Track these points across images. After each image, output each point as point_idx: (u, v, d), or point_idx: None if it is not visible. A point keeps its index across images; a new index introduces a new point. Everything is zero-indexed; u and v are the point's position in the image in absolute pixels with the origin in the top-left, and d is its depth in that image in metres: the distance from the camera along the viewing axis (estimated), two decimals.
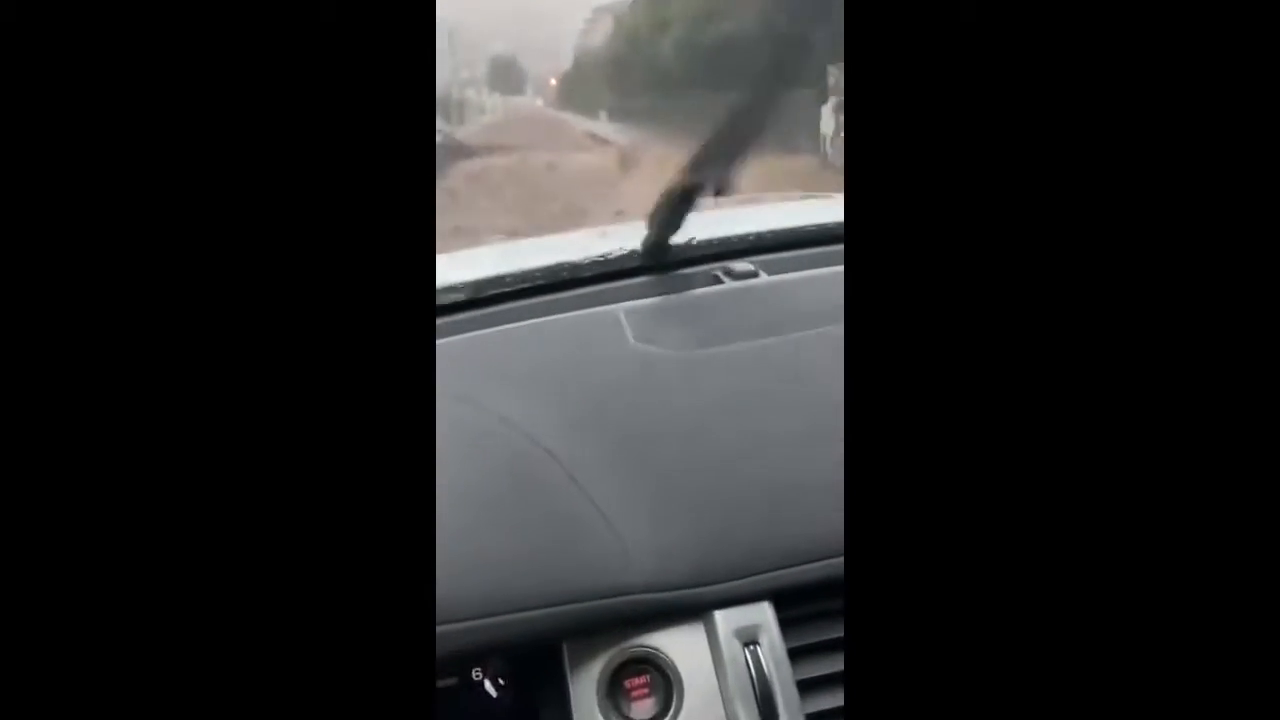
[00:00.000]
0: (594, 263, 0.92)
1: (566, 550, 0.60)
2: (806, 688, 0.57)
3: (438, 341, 0.78)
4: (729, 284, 0.89)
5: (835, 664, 0.58)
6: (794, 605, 0.59)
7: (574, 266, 0.92)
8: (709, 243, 0.95)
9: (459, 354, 0.78)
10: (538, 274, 0.90)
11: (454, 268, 0.93)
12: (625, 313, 0.80)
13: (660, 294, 0.86)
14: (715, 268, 0.93)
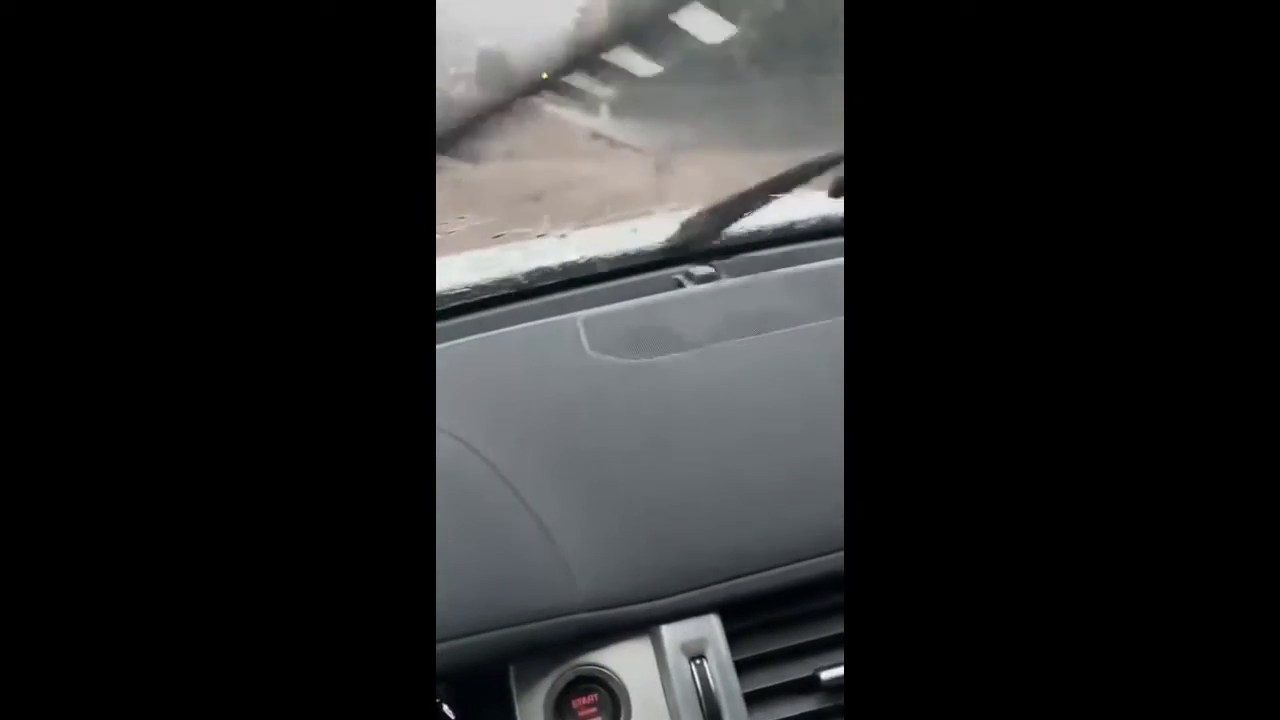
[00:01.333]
0: (562, 268, 0.93)
1: (510, 570, 0.60)
2: (754, 699, 0.58)
3: None
4: (689, 288, 0.90)
5: (783, 674, 0.59)
6: (741, 617, 0.60)
7: (540, 273, 0.92)
8: (673, 247, 0.95)
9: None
10: (502, 284, 0.91)
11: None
12: (583, 321, 0.80)
13: (620, 300, 0.86)
14: (676, 271, 0.93)
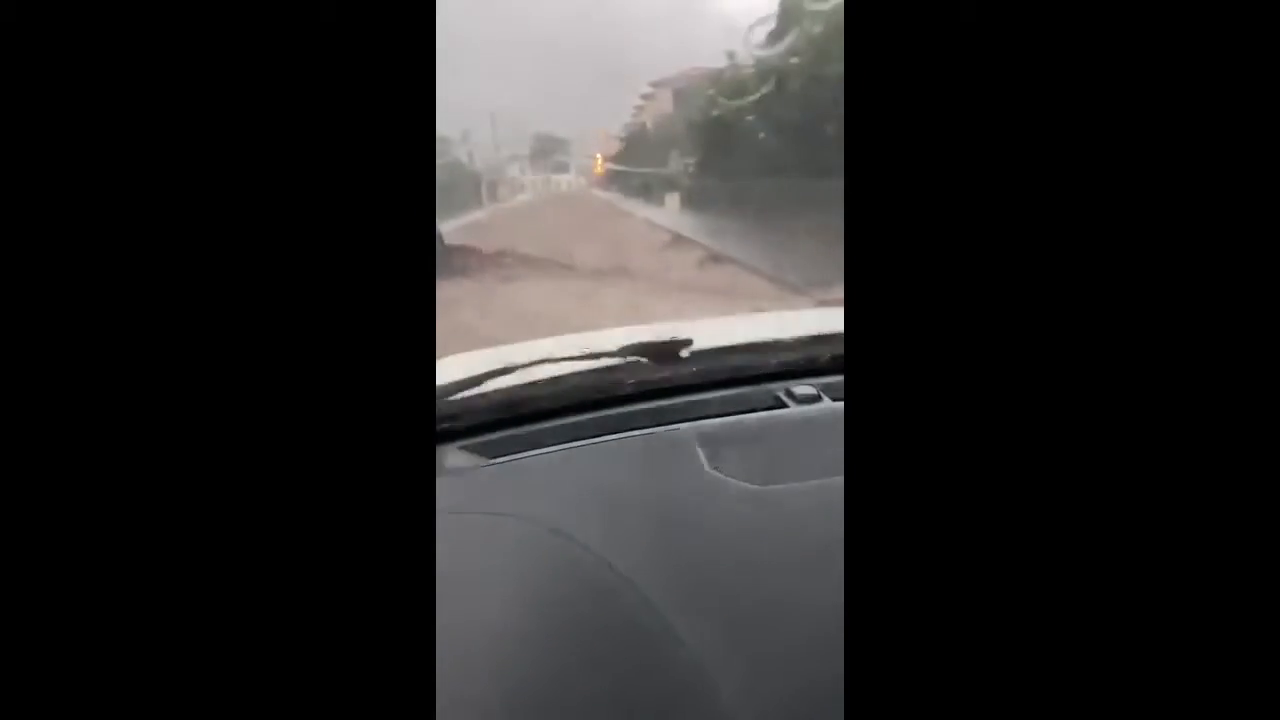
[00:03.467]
0: (656, 379, 0.92)
1: (658, 697, 0.56)
2: None
3: (505, 460, 0.80)
4: (795, 409, 0.90)
5: None
6: None
7: (618, 383, 0.92)
8: (766, 351, 0.95)
9: (532, 473, 0.78)
10: (587, 390, 0.91)
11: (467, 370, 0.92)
12: (699, 436, 0.81)
13: (722, 414, 0.87)
14: (777, 388, 0.94)
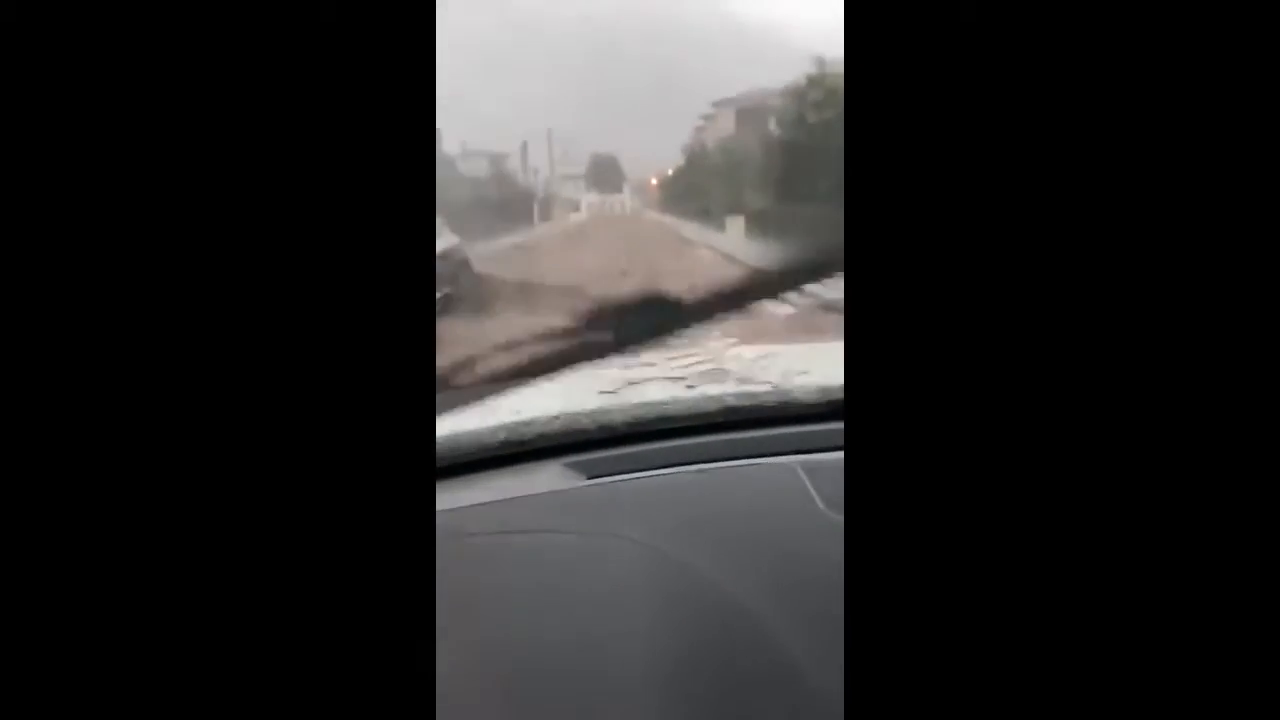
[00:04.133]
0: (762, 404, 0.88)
1: None
2: None
3: (608, 481, 0.78)
4: None
5: None
6: None
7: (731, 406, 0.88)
8: None
9: (639, 495, 0.76)
10: (705, 413, 0.87)
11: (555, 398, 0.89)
12: (805, 470, 0.76)
13: (832, 448, 0.81)
14: None
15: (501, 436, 0.80)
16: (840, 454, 0.77)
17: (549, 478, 0.80)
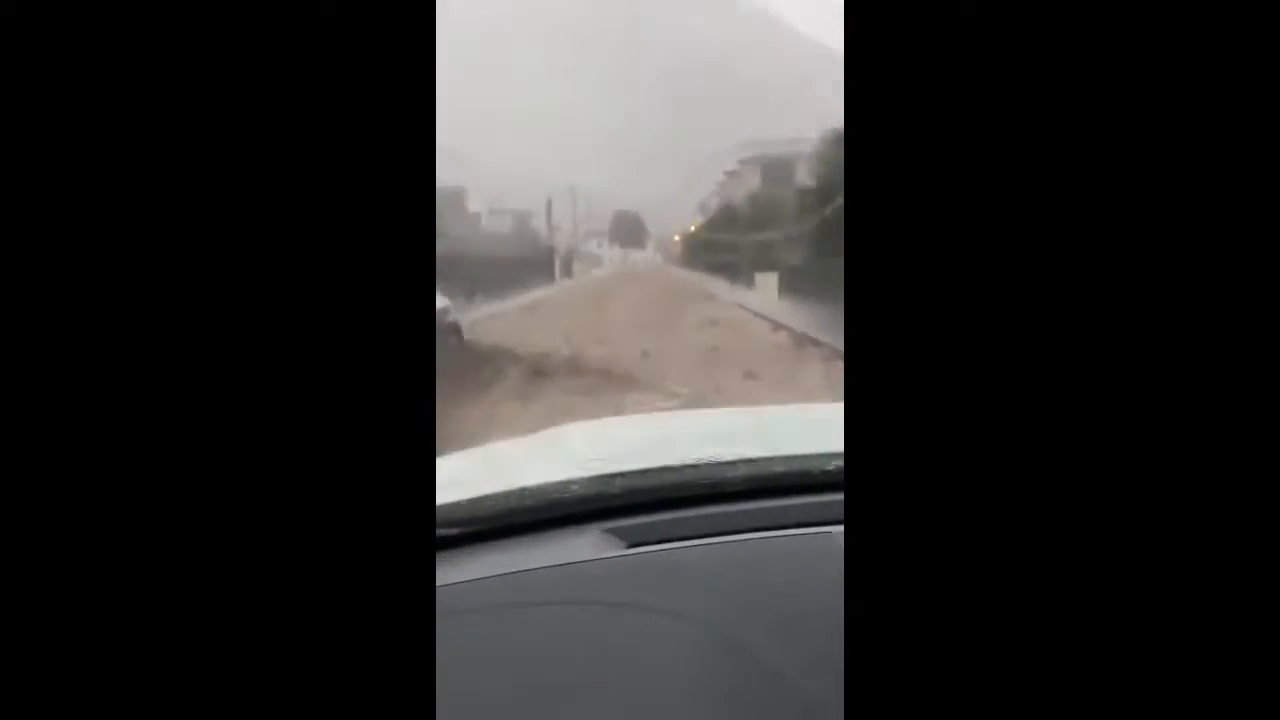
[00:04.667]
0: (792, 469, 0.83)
1: None
2: None
3: (649, 551, 0.73)
4: None
5: None
6: None
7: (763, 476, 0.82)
8: None
9: (681, 567, 0.71)
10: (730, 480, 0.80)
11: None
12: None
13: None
14: None
15: (529, 502, 0.76)
16: None
17: (584, 545, 0.75)
